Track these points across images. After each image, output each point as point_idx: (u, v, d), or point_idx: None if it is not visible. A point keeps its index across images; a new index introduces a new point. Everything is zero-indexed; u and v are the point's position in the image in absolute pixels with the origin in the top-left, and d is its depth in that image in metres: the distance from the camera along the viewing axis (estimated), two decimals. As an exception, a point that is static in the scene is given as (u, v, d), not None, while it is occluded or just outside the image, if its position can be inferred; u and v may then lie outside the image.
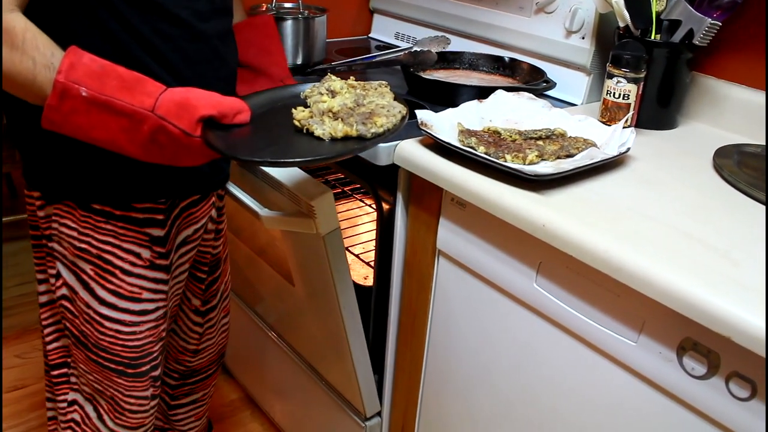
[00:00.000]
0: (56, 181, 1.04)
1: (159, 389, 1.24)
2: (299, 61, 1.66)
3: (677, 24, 1.29)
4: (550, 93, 1.53)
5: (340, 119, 0.99)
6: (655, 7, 1.30)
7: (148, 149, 0.91)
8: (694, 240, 0.91)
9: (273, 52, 1.27)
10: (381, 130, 0.97)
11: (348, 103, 1.03)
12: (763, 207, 1.02)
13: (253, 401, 2.03)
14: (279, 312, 1.66)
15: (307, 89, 1.09)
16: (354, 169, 1.34)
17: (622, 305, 0.91)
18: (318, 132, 0.97)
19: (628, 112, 1.26)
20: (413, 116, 1.13)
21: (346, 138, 0.97)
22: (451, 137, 1.14)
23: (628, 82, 1.25)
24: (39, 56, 0.86)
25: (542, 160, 1.08)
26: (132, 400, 1.19)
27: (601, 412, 0.99)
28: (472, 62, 1.64)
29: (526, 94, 1.30)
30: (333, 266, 1.25)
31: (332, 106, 1.01)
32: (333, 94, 1.06)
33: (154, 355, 1.18)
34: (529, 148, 1.09)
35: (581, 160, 1.07)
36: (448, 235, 1.18)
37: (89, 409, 1.21)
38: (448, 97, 1.39)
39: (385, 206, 1.30)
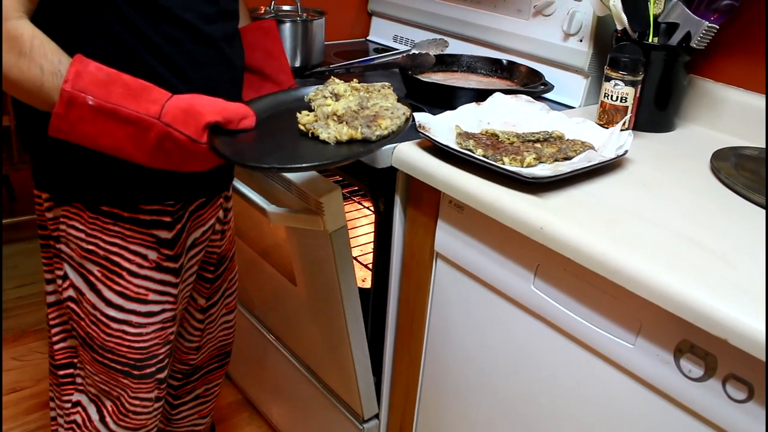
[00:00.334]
0: (66, 183, 1.05)
1: (164, 392, 1.24)
2: (297, 64, 1.66)
3: (675, 27, 1.30)
4: (548, 96, 1.53)
5: (344, 122, 0.99)
6: (653, 10, 1.30)
7: (154, 156, 0.92)
8: (692, 242, 0.91)
9: (279, 57, 1.27)
10: (385, 132, 0.98)
11: (352, 106, 1.03)
12: (760, 209, 1.03)
13: (251, 404, 2.02)
14: (278, 314, 1.66)
15: (310, 92, 1.10)
16: (352, 171, 1.34)
17: (620, 308, 0.91)
18: (323, 136, 0.98)
19: (626, 115, 1.27)
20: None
21: (351, 141, 0.98)
22: (449, 140, 1.14)
23: (625, 85, 1.25)
24: (47, 63, 0.87)
25: (540, 162, 1.09)
26: (137, 402, 1.19)
27: (599, 414, 0.99)
28: (470, 65, 1.64)
29: (524, 96, 1.30)
30: (338, 264, 1.25)
31: (336, 110, 1.02)
32: (337, 97, 1.07)
33: (160, 357, 1.18)
34: (527, 151, 1.09)
35: (579, 162, 1.07)
36: (446, 237, 1.18)
37: (92, 410, 1.21)
38: (446, 99, 1.39)
39: (383, 208, 1.30)
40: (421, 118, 1.16)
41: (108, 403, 1.20)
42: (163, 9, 0.96)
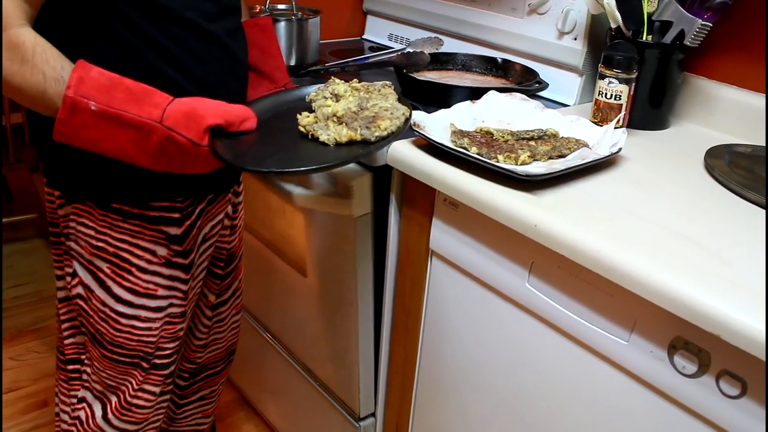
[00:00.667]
0: (76, 181, 1.06)
1: (169, 387, 1.25)
2: (293, 63, 1.66)
3: (668, 25, 1.30)
4: (542, 94, 1.53)
5: (344, 124, 1.01)
6: (647, 8, 1.31)
7: (157, 159, 0.94)
8: (686, 240, 0.91)
9: (275, 56, 1.28)
10: (385, 133, 1.00)
11: (352, 107, 1.04)
12: (754, 207, 1.03)
13: (248, 402, 2.03)
14: (281, 310, 1.66)
15: (311, 92, 1.11)
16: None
17: (614, 304, 0.92)
18: (323, 137, 0.99)
19: (620, 113, 1.27)
20: None
21: (351, 142, 0.99)
22: (443, 138, 1.14)
23: (619, 83, 1.25)
24: (49, 70, 0.88)
25: (534, 160, 1.09)
26: (141, 394, 1.20)
27: (593, 411, 0.99)
28: (465, 63, 1.64)
29: (519, 94, 1.30)
30: (358, 252, 1.26)
31: (336, 111, 1.03)
32: (337, 97, 1.08)
33: (168, 351, 1.20)
34: (521, 149, 1.09)
35: (573, 160, 1.07)
36: (441, 235, 1.18)
37: (96, 407, 1.22)
38: (441, 98, 1.39)
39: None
40: (416, 116, 1.16)
41: (113, 399, 1.21)
42: (164, 9, 0.97)
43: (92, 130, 0.90)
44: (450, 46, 1.75)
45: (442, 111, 1.22)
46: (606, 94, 1.27)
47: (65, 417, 1.27)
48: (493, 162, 1.05)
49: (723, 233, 0.94)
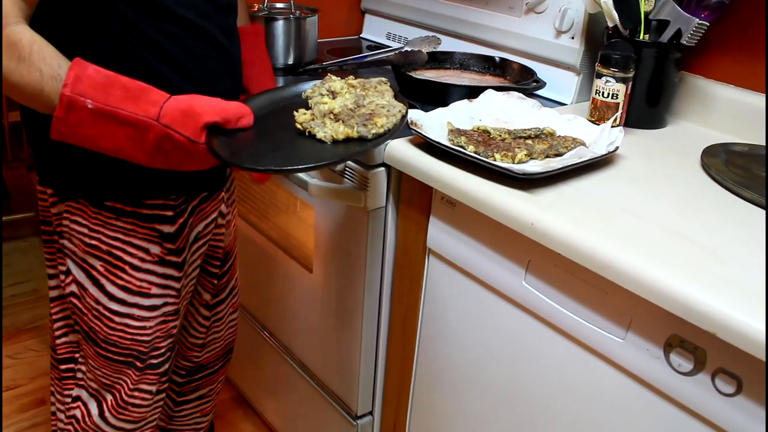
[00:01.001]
0: (70, 179, 1.06)
1: (165, 385, 1.25)
2: (290, 61, 1.66)
3: (665, 24, 1.30)
4: (540, 92, 1.53)
5: (341, 121, 1.01)
6: (644, 8, 1.31)
7: (154, 156, 0.94)
8: (682, 238, 0.92)
9: (260, 64, 1.28)
10: (381, 130, 1.00)
11: (348, 104, 1.04)
12: (750, 205, 1.03)
13: (246, 401, 2.03)
14: (281, 307, 1.66)
15: (308, 89, 1.11)
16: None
17: (610, 303, 0.92)
18: (320, 135, 0.99)
19: (617, 112, 1.27)
20: None
21: (348, 140, 0.99)
22: (441, 136, 1.14)
23: (616, 82, 1.26)
24: (46, 67, 0.88)
25: (531, 159, 1.09)
26: (137, 393, 1.20)
27: (590, 409, 1.00)
28: (463, 62, 1.65)
29: (516, 93, 1.30)
30: (370, 246, 1.27)
31: (333, 108, 1.03)
32: (333, 94, 1.07)
33: (162, 350, 1.19)
34: (518, 147, 1.10)
35: (570, 158, 1.08)
36: (439, 233, 1.18)
37: (92, 405, 1.22)
38: (438, 96, 1.39)
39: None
40: (414, 115, 1.16)
41: (109, 397, 1.21)
42: (160, 6, 0.97)
43: (89, 127, 0.90)
44: (447, 44, 1.75)
45: (440, 110, 1.22)
46: (603, 92, 1.27)
47: (61, 416, 1.27)
48: (490, 160, 1.06)
49: (719, 231, 0.94)
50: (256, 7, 1.70)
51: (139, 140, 0.92)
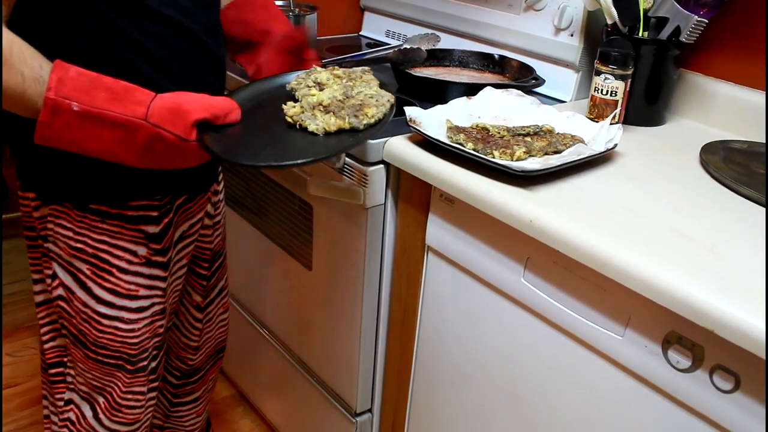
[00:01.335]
0: (53, 182, 1.04)
1: (157, 384, 1.24)
2: (289, 59, 1.66)
3: (664, 21, 1.30)
4: (539, 90, 1.53)
5: (331, 113, 1.00)
6: (643, 5, 1.31)
7: (143, 157, 0.92)
8: (680, 235, 0.92)
9: (267, 18, 1.24)
10: (372, 120, 0.99)
11: (337, 95, 1.04)
12: (749, 202, 1.03)
13: (245, 398, 2.03)
14: (280, 305, 1.66)
15: (292, 81, 1.10)
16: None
17: (609, 300, 0.92)
18: (312, 127, 0.98)
19: (616, 109, 1.27)
20: (401, 111, 1.15)
21: (340, 131, 0.99)
22: (439, 134, 1.14)
23: (615, 79, 1.26)
24: (27, 70, 0.85)
25: (530, 156, 1.09)
26: (129, 396, 1.19)
27: (588, 406, 1.00)
28: (462, 60, 1.64)
29: (515, 90, 1.30)
30: (369, 243, 1.27)
31: (322, 100, 1.02)
32: (320, 86, 1.07)
33: (150, 350, 1.19)
34: (517, 145, 1.10)
35: (568, 156, 1.08)
36: (437, 231, 1.18)
37: (85, 408, 1.21)
38: (437, 94, 1.39)
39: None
40: (412, 112, 1.16)
41: (101, 400, 1.20)
42: (140, 5, 0.95)
43: (76, 131, 0.88)
44: (447, 42, 1.75)
45: (439, 107, 1.22)
46: (602, 90, 1.27)
47: (55, 419, 1.26)
48: (488, 158, 1.06)
49: (717, 229, 0.94)
50: (255, 4, 1.69)
51: (127, 141, 0.90)
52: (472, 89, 1.35)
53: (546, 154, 1.10)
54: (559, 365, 1.03)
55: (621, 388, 0.94)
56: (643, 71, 1.32)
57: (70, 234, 1.07)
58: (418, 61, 1.56)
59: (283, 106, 1.03)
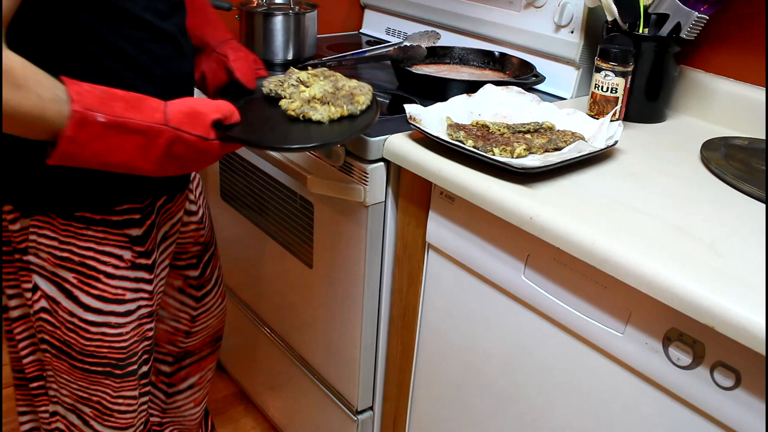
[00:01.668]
0: (35, 193, 1.02)
1: (147, 388, 1.23)
2: (290, 57, 1.66)
3: (665, 18, 1.30)
4: (539, 87, 1.53)
5: (328, 103, 1.09)
6: (643, 1, 1.31)
7: (161, 163, 0.94)
8: (680, 232, 0.92)
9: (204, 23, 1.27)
10: (364, 107, 1.11)
11: (328, 89, 1.12)
12: (749, 199, 1.03)
13: (247, 396, 2.03)
14: (282, 303, 1.67)
15: (268, 85, 1.15)
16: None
17: (609, 297, 0.92)
18: (316, 117, 1.06)
19: (616, 106, 1.27)
20: (401, 108, 1.17)
21: (341, 118, 1.08)
22: (439, 131, 1.14)
23: (616, 76, 1.26)
24: (43, 90, 0.83)
25: (530, 153, 1.09)
26: (120, 401, 1.18)
27: (589, 403, 1.00)
28: (462, 57, 1.64)
29: (515, 88, 1.30)
30: (369, 241, 1.28)
31: (315, 94, 1.11)
32: (304, 84, 1.14)
33: (140, 354, 1.18)
34: (517, 142, 1.10)
35: (569, 153, 1.07)
36: (438, 228, 1.18)
37: (72, 417, 1.20)
38: (438, 91, 1.39)
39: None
40: (412, 109, 1.16)
41: (87, 410, 1.18)
42: (121, 11, 0.95)
43: (99, 142, 0.88)
44: (447, 39, 1.75)
45: (439, 104, 1.22)
46: (602, 87, 1.27)
47: (42, 430, 1.26)
48: (489, 155, 1.06)
49: (718, 225, 0.94)
50: (255, 2, 1.70)
51: (148, 148, 0.91)
52: (472, 86, 1.34)
53: (546, 151, 1.10)
54: (559, 362, 1.03)
55: (621, 385, 0.94)
56: (643, 68, 1.32)
57: (55, 243, 1.05)
58: (418, 58, 1.56)
59: (281, 103, 1.09)
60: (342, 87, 1.13)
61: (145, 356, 1.19)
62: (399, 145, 1.17)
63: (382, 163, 1.22)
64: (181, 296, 1.36)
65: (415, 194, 1.21)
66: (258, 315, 1.78)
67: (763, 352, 0.74)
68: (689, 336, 0.84)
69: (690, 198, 1.02)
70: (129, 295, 1.12)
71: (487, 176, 1.05)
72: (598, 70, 1.27)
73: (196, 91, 1.19)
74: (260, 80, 1.19)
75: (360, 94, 1.11)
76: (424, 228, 1.21)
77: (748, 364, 0.79)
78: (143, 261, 1.12)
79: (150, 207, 1.12)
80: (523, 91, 1.30)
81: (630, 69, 1.26)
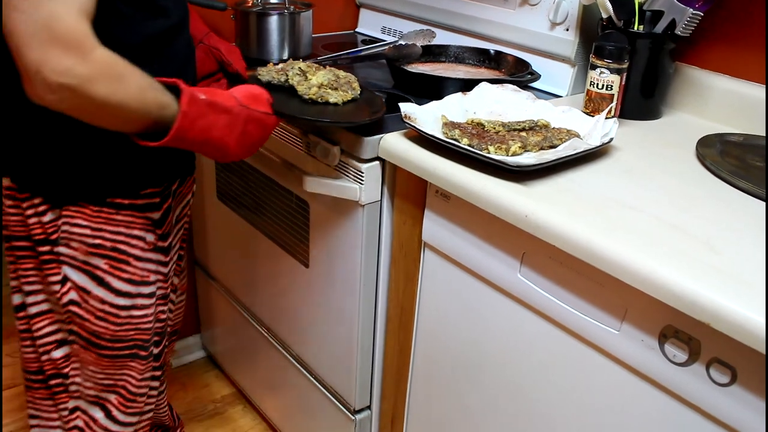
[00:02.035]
0: (67, 184, 1.05)
1: (162, 371, 1.28)
2: (285, 56, 1.66)
3: (660, 15, 1.30)
4: (535, 85, 1.53)
5: (336, 89, 1.24)
6: (638, -2, 1.31)
7: (239, 140, 1.04)
8: (676, 229, 0.92)
9: None
10: (359, 92, 1.27)
11: (330, 77, 1.26)
12: (745, 195, 1.03)
13: (245, 397, 2.03)
14: (279, 303, 1.67)
15: (265, 74, 1.27)
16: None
17: (605, 294, 0.92)
18: (333, 99, 1.21)
19: (612, 103, 1.27)
20: (396, 107, 1.19)
21: (347, 101, 1.23)
22: (434, 130, 1.14)
23: (611, 73, 1.25)
24: (141, 79, 0.91)
25: (525, 151, 1.09)
26: (143, 383, 1.22)
27: (585, 400, 1.00)
28: (458, 55, 1.64)
29: (510, 86, 1.30)
30: (365, 240, 1.28)
31: (322, 81, 1.24)
32: (305, 74, 1.27)
33: (157, 338, 1.22)
34: (512, 140, 1.09)
35: (564, 150, 1.07)
36: (434, 227, 1.18)
37: (94, 411, 1.21)
38: (433, 90, 1.39)
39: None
40: (407, 108, 1.16)
41: (112, 397, 1.20)
42: (155, 4, 1.00)
43: (203, 119, 0.97)
44: (442, 38, 1.75)
45: (434, 103, 1.22)
46: (597, 84, 1.27)
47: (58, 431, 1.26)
48: (484, 153, 1.05)
49: (714, 222, 0.94)
50: (250, 2, 1.69)
51: (232, 126, 1.01)
52: (467, 85, 1.34)
53: (541, 149, 1.10)
54: (556, 360, 1.03)
55: (618, 383, 0.94)
56: (638, 65, 1.32)
57: (87, 231, 1.08)
58: (413, 57, 1.56)
59: (297, 88, 1.23)
60: (339, 75, 1.27)
61: (157, 338, 1.21)
62: (394, 143, 1.17)
63: (377, 162, 1.22)
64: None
65: (411, 193, 1.21)
66: (254, 315, 1.78)
67: (759, 349, 0.74)
68: (685, 333, 0.84)
69: (686, 195, 1.02)
70: (152, 277, 1.16)
71: (482, 174, 1.05)
72: (594, 67, 1.27)
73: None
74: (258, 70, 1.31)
75: (354, 81, 1.27)
76: (419, 226, 1.21)
77: (744, 360, 0.78)
78: (161, 243, 1.16)
79: (167, 190, 1.15)
80: (519, 89, 1.30)
81: (625, 66, 1.26)
